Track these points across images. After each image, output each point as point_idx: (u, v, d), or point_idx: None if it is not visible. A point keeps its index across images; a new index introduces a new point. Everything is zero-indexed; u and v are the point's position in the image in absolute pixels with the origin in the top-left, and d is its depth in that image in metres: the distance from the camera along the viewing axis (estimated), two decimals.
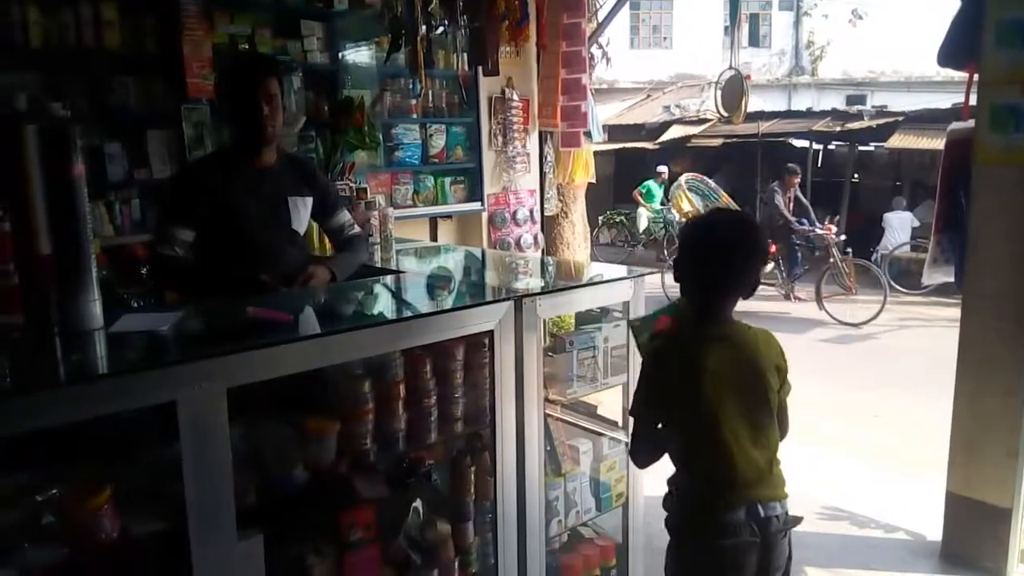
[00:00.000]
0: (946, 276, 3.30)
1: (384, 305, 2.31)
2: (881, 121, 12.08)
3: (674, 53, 20.11)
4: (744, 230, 1.78)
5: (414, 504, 1.97)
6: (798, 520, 1.78)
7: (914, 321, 8.69)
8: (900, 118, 11.96)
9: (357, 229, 2.70)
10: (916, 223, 10.79)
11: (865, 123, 12.20)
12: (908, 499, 3.53)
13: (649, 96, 17.73)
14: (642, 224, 13.40)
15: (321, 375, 1.74)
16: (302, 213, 2.47)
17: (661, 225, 13.32)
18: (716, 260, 1.72)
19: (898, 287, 10.33)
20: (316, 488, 1.68)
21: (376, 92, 4.14)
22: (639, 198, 13.42)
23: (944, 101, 10.99)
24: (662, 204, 13.50)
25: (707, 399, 1.69)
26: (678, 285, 1.79)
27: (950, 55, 3.16)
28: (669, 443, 1.79)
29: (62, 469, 1.47)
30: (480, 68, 4.19)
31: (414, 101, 4.27)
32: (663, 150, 14.26)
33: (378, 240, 3.27)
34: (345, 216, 2.65)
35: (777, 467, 1.76)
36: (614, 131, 15.29)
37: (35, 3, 3.01)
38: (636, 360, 2.41)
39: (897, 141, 11.62)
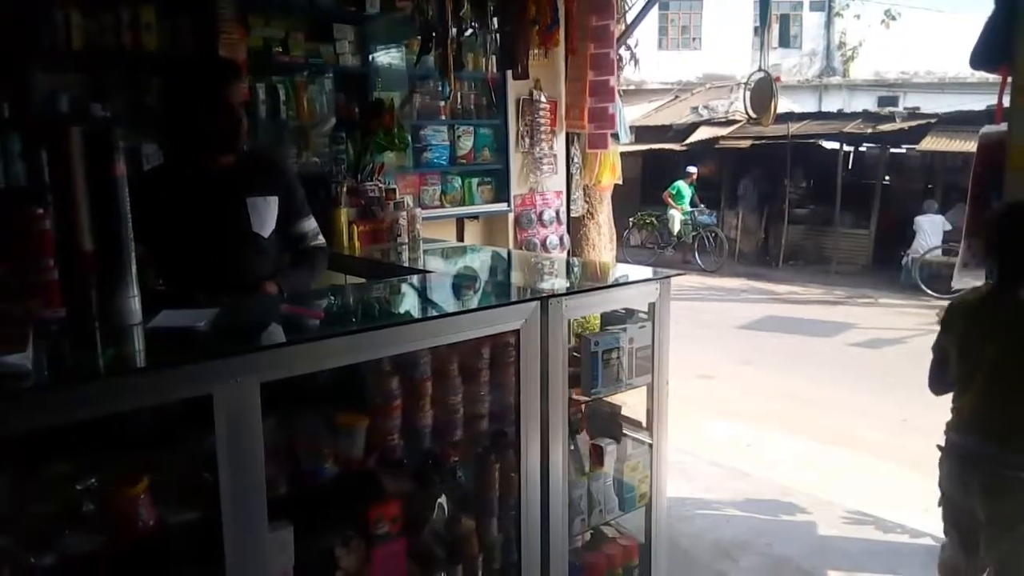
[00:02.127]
0: (976, 280, 3.24)
1: (412, 304, 2.34)
2: (913, 123, 11.91)
3: (703, 54, 19.96)
4: None
5: (439, 500, 2.00)
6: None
7: None
8: (933, 120, 11.77)
9: (320, 241, 2.48)
10: (948, 226, 10.62)
11: (897, 125, 12.03)
12: (933, 505, 3.49)
13: (677, 97, 17.62)
14: (675, 226, 13.30)
15: (351, 371, 1.77)
16: (264, 214, 2.26)
17: (691, 227, 13.24)
18: (1009, 243, 2.18)
19: (929, 291, 10.18)
20: (345, 481, 1.72)
21: (406, 94, 4.18)
22: (669, 199, 13.34)
23: (978, 103, 10.78)
24: (692, 205, 13.42)
25: (961, 344, 2.24)
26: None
27: (983, 57, 3.11)
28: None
29: (101, 459, 1.51)
30: (509, 71, 4.22)
31: (443, 103, 4.31)
32: (691, 151, 14.18)
33: (406, 240, 3.31)
34: (309, 224, 2.43)
35: (1016, 425, 2.12)
36: (642, 132, 15.23)
37: (77, 6, 3.09)
38: (661, 361, 2.43)
39: (929, 143, 11.44)
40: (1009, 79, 2.95)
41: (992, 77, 3.27)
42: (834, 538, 3.27)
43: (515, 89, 4.54)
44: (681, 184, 13.36)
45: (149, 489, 1.45)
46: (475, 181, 4.56)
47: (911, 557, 3.14)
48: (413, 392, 1.85)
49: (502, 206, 4.65)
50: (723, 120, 14.62)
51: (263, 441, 1.49)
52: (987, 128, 3.23)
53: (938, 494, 3.62)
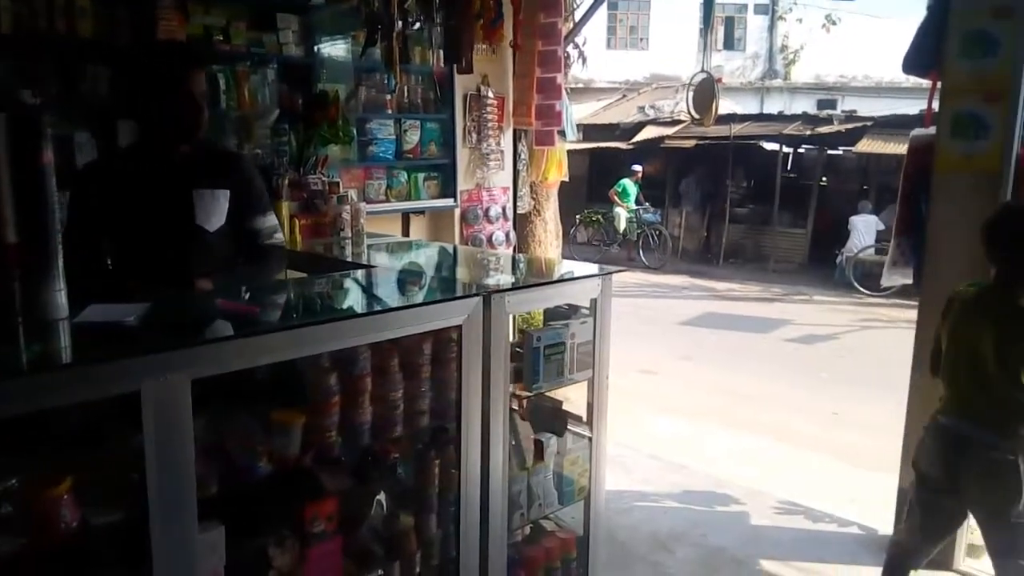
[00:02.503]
0: (904, 278, 3.40)
1: (353, 299, 2.32)
2: (850, 126, 12.32)
3: (650, 54, 20.24)
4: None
5: (378, 497, 1.99)
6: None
7: (876, 322, 8.90)
8: (869, 123, 12.20)
9: (277, 239, 2.41)
10: (881, 226, 11.02)
11: (834, 127, 12.43)
12: (863, 495, 3.63)
13: (624, 96, 17.84)
14: (621, 224, 13.46)
15: (288, 367, 1.75)
16: (211, 208, 2.20)
17: (636, 225, 13.42)
18: (1000, 246, 2.34)
19: (861, 289, 10.54)
20: (280, 480, 1.69)
21: (351, 86, 4.13)
22: (615, 197, 13.50)
23: (912, 107, 11.21)
24: (637, 203, 13.60)
25: (952, 335, 2.40)
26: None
27: (914, 63, 3.24)
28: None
29: (22, 459, 1.46)
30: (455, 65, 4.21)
31: (389, 96, 4.27)
32: (637, 150, 14.36)
33: (349, 235, 3.28)
34: (265, 222, 2.36)
35: (1001, 409, 2.27)
36: (589, 131, 15.36)
37: None
38: (601, 357, 2.46)
39: (865, 146, 11.85)
40: (939, 84, 3.08)
41: (926, 82, 3.40)
42: (766, 528, 3.38)
43: (462, 84, 4.52)
44: (627, 182, 13.53)
45: (73, 489, 1.41)
46: (421, 176, 4.53)
47: (839, 546, 3.25)
48: (352, 388, 1.83)
49: (448, 201, 4.63)
50: (668, 120, 14.86)
51: (194, 439, 1.46)
52: (917, 131, 3.36)
53: (865, 484, 3.80)
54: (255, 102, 3.69)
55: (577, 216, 14.08)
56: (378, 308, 2.05)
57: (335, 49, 4.14)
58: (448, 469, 2.07)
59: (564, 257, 7.57)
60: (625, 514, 3.42)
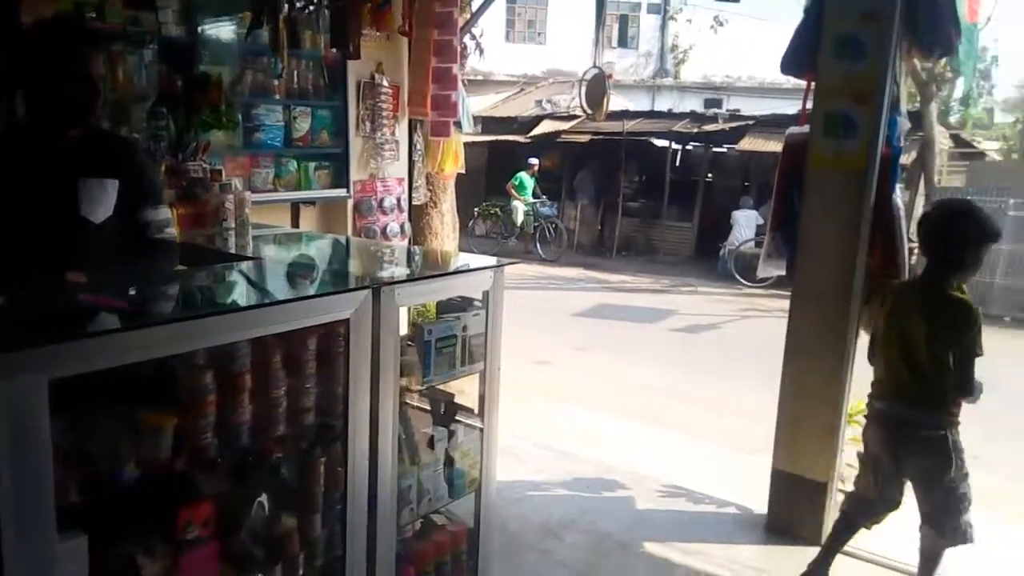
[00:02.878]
0: (778, 270, 3.59)
1: (234, 292, 2.22)
2: (734, 124, 12.91)
3: (548, 48, 20.52)
4: (954, 221, 2.50)
5: (259, 499, 1.92)
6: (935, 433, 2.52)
7: (754, 312, 9.39)
8: (751, 122, 12.83)
9: (168, 234, 2.31)
10: (761, 221, 11.63)
11: (719, 126, 13.01)
12: (740, 477, 3.82)
13: (522, 90, 17.99)
14: (519, 217, 13.56)
15: (161, 365, 1.66)
16: (98, 198, 2.09)
17: (533, 218, 13.57)
18: (931, 241, 2.53)
19: (742, 280, 11.10)
20: (149, 485, 1.60)
21: (236, 70, 3.95)
22: (512, 191, 13.59)
23: (793, 107, 11.81)
24: (534, 196, 13.75)
25: (887, 322, 2.61)
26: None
27: (792, 64, 3.40)
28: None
29: None
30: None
31: (277, 81, 4.11)
32: (534, 144, 14.52)
33: (233, 225, 3.13)
34: (155, 214, 2.24)
35: (930, 389, 2.50)
36: (488, 123, 15.40)
37: None
38: (493, 348, 2.47)
39: (747, 144, 12.46)
40: (814, 84, 3.25)
41: (804, 83, 3.57)
42: (650, 511, 3.50)
43: (356, 71, 4.42)
44: (523, 176, 13.65)
45: None
46: (312, 165, 4.40)
47: (717, 526, 3.41)
48: (230, 387, 1.76)
49: (341, 192, 4.52)
50: (565, 115, 15.11)
51: (52, 443, 1.36)
52: (792, 129, 3.52)
53: (742, 466, 4.01)
54: (131, 84, 3.48)
55: (476, 209, 14.10)
56: (259, 302, 1.98)
57: (219, 30, 3.95)
58: (334, 467, 2.02)
59: (462, 250, 7.57)
60: (517, 503, 3.46)
